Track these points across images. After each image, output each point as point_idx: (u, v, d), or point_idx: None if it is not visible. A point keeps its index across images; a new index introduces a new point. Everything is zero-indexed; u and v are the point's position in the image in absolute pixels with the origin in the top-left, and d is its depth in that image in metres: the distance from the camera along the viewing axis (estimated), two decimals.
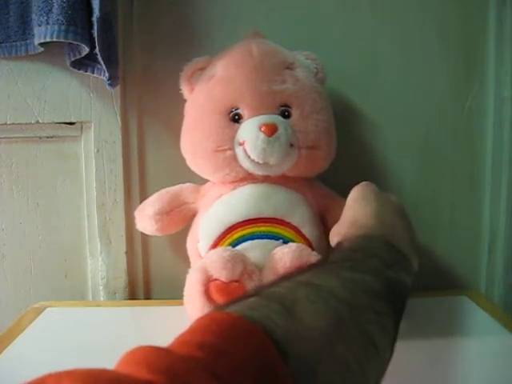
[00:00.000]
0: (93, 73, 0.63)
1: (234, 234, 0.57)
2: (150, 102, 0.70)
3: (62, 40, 0.57)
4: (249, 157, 0.56)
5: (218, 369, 0.22)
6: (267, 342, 0.25)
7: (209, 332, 0.25)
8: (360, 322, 0.32)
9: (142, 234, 0.69)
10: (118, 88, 0.66)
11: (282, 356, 0.25)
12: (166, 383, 0.20)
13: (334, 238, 0.47)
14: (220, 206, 0.59)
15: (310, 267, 0.38)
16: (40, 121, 0.68)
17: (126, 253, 0.71)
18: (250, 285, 0.52)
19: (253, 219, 0.57)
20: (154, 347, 0.23)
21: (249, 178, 0.59)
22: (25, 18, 0.63)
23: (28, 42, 0.64)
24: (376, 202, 0.46)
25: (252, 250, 0.55)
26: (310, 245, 0.57)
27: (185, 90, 0.63)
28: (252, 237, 0.56)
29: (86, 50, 0.60)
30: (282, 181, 0.60)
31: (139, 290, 0.72)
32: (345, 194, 0.50)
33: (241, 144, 0.57)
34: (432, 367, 0.51)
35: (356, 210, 0.46)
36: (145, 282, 0.72)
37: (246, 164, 0.57)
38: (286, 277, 0.35)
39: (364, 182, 0.50)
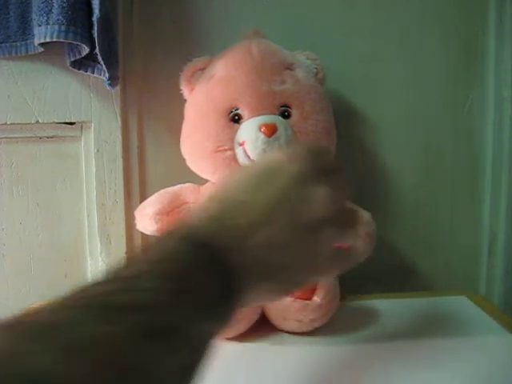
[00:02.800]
0: (93, 73, 0.63)
1: None
2: (150, 101, 0.70)
3: (62, 40, 0.57)
4: (249, 157, 0.56)
5: None
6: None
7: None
8: None
9: (142, 233, 0.68)
10: (118, 88, 0.66)
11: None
12: None
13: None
14: None
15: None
16: (40, 121, 0.68)
17: (126, 253, 0.71)
18: None
19: None
20: None
21: None
22: (25, 18, 0.63)
23: (28, 42, 0.63)
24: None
25: None
26: None
27: (185, 90, 0.63)
28: None
29: (85, 50, 0.60)
30: None
31: None
32: None
33: (241, 144, 0.57)
34: (432, 367, 0.51)
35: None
36: None
37: (246, 164, 0.57)
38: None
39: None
